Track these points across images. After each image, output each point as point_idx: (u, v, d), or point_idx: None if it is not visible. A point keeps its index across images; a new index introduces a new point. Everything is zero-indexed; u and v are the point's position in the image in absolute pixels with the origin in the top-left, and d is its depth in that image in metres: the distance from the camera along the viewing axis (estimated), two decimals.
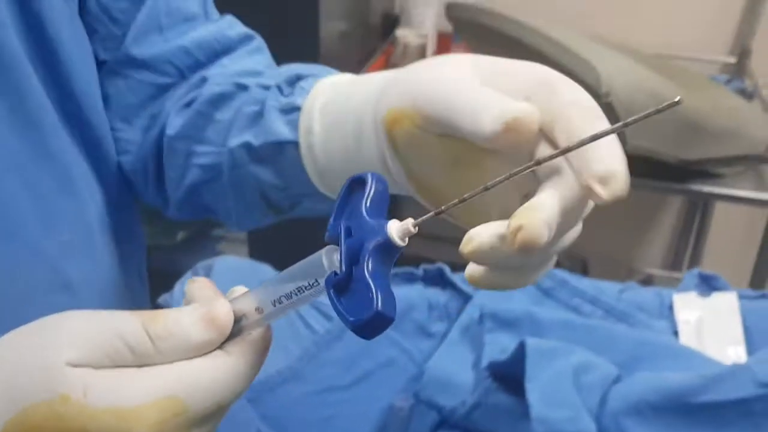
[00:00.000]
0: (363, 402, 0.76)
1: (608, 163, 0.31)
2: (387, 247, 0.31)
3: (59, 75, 0.49)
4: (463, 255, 0.34)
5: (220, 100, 0.54)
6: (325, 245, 0.33)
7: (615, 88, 1.01)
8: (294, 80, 0.51)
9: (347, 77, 0.49)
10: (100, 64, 0.54)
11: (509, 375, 0.68)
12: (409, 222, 0.31)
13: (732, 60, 1.52)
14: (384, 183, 0.33)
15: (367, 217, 0.32)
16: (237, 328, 0.34)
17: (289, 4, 1.24)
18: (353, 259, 0.31)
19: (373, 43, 1.57)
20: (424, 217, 0.32)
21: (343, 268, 0.31)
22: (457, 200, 0.32)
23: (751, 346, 0.76)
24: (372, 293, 0.30)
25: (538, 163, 0.31)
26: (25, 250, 0.45)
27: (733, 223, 1.67)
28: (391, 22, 1.64)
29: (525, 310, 0.76)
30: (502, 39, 1.14)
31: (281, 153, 0.50)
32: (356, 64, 1.43)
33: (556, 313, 0.76)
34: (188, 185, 0.56)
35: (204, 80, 0.56)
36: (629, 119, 0.29)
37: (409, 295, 0.83)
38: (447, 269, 0.83)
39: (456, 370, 0.71)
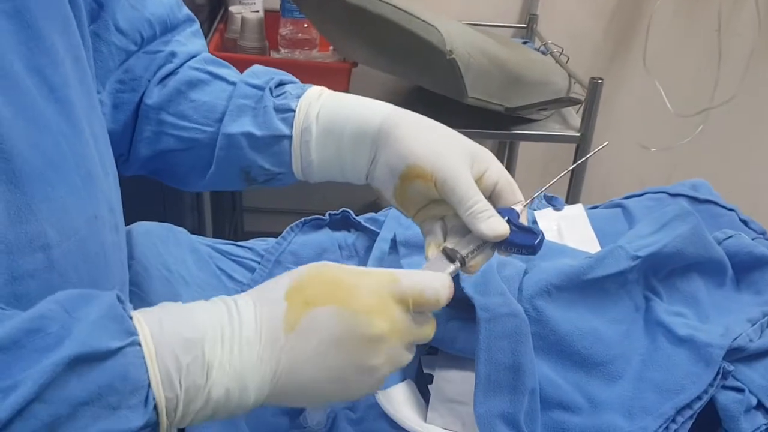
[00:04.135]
0: None
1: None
2: (517, 214, 0.60)
3: (84, 29, 0.53)
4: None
5: (197, 83, 0.65)
6: None
7: (456, 47, 1.16)
8: (278, 84, 0.65)
9: (328, 91, 0.65)
10: None
11: None
12: (521, 205, 0.60)
13: (523, 25, 1.76)
14: None
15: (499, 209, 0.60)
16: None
17: None
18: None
19: (202, 21, 1.59)
20: (530, 200, 0.62)
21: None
22: (565, 171, 0.63)
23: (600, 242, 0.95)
24: (532, 229, 0.59)
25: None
26: (100, 193, 0.50)
27: (534, 159, 1.94)
28: (216, 0, 1.67)
29: None
30: (346, 9, 1.24)
31: (277, 144, 0.63)
32: None
33: None
34: (160, 150, 0.65)
35: (173, 55, 0.65)
36: (570, 167, 0.65)
37: (319, 239, 0.92)
38: (351, 213, 0.93)
39: None
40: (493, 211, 0.58)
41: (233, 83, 0.65)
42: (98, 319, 0.41)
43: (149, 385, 0.42)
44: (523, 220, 0.60)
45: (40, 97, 0.45)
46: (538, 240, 0.58)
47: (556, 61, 1.54)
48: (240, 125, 0.63)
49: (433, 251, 0.59)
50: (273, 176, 0.66)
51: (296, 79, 0.67)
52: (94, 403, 0.39)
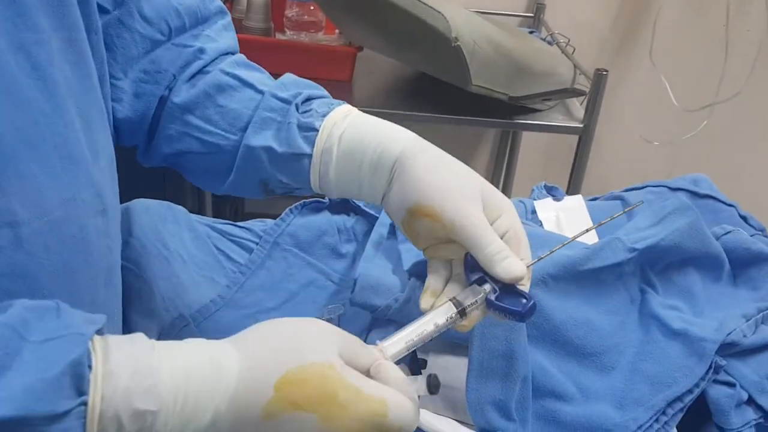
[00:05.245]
0: None
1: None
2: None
3: (91, 12, 0.53)
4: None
5: (225, 89, 0.64)
6: None
7: (461, 34, 1.15)
8: (306, 99, 0.64)
9: (356, 111, 0.64)
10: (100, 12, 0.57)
11: None
12: (525, 263, 0.57)
13: (530, 14, 1.76)
14: None
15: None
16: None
17: None
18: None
19: None
20: (535, 261, 0.59)
21: (497, 289, 0.56)
22: (591, 228, 0.62)
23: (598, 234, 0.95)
24: (525, 295, 0.55)
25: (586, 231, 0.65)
26: (83, 176, 0.49)
27: (537, 149, 1.93)
28: None
29: None
30: None
31: (297, 162, 0.62)
32: None
33: None
34: (181, 149, 0.65)
35: (202, 51, 0.65)
36: (592, 226, 0.59)
37: (318, 222, 0.92)
38: None
39: (381, 275, 0.81)
40: (508, 251, 0.55)
41: (262, 92, 0.64)
42: (56, 376, 0.39)
43: None
44: (526, 282, 0.57)
45: (21, 73, 0.44)
46: (528, 307, 0.54)
47: (562, 52, 1.53)
48: (262, 139, 0.62)
49: (427, 301, 0.57)
50: (291, 189, 0.66)
51: (326, 93, 0.66)
52: None
